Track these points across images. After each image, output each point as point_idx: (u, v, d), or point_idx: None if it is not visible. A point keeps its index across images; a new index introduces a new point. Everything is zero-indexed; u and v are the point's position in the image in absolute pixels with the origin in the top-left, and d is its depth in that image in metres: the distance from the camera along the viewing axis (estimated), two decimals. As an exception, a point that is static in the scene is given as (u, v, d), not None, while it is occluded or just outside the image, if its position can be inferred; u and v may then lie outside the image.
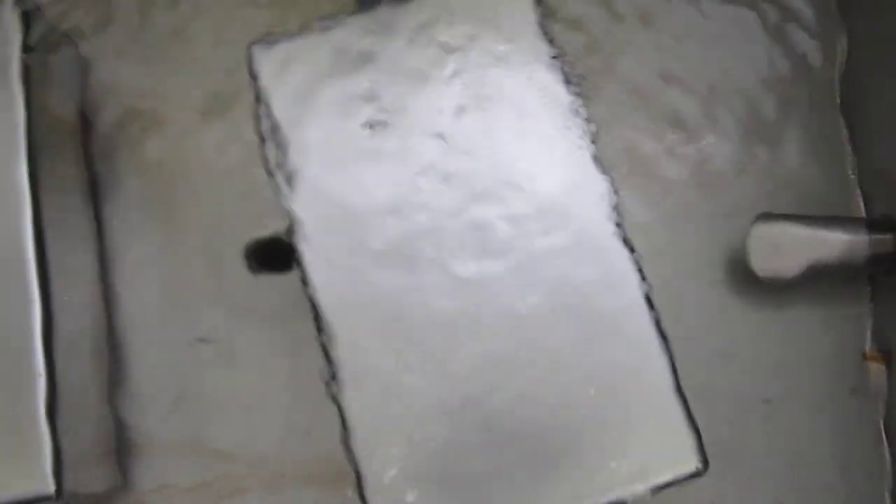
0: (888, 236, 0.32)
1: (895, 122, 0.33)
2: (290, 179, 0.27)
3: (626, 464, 0.25)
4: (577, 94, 0.27)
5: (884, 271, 0.33)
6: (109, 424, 0.34)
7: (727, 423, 0.34)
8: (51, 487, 0.28)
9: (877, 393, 0.34)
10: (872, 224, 0.33)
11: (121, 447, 0.35)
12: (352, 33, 0.28)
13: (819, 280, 0.34)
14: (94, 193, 0.37)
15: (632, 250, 0.26)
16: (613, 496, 0.25)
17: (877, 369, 0.34)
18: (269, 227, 0.36)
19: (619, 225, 0.26)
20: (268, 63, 0.28)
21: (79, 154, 0.36)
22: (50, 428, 0.28)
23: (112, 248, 0.36)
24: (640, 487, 0.25)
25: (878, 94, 0.34)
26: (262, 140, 0.27)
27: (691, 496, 0.34)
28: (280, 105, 0.27)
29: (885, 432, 0.34)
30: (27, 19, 0.31)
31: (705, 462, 0.25)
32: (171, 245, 0.36)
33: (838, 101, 0.36)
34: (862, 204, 0.36)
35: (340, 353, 0.26)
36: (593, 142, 0.27)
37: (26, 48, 0.31)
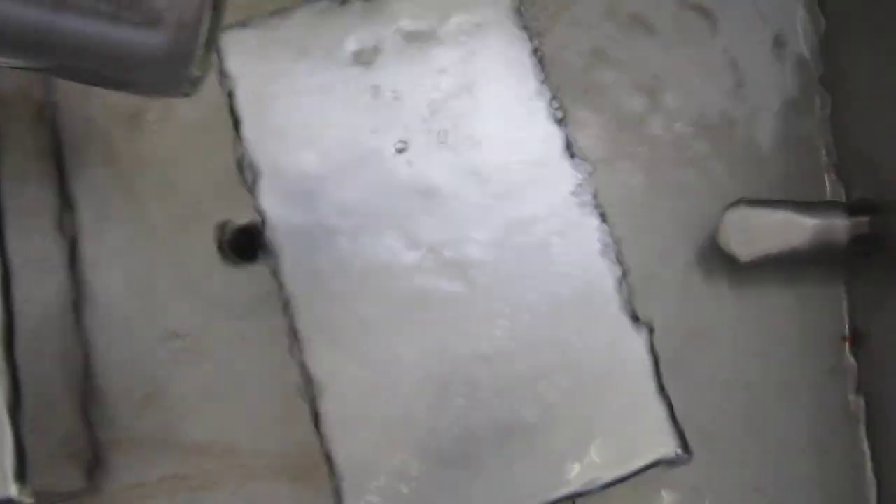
0: (864, 219, 0.32)
1: (872, 102, 0.33)
2: (254, 168, 0.26)
3: (604, 450, 0.25)
4: (545, 72, 0.27)
5: (861, 253, 0.33)
6: (78, 422, 0.33)
7: (705, 407, 0.34)
8: (11, 489, 0.27)
9: (855, 375, 0.34)
10: (848, 207, 0.33)
11: (91, 445, 0.34)
12: (317, 19, 0.27)
13: (796, 263, 0.34)
14: (61, 183, 0.36)
15: (607, 233, 0.26)
16: (591, 484, 0.25)
17: (853, 351, 0.35)
18: (241, 217, 0.35)
19: (594, 207, 0.26)
20: (234, 49, 0.27)
21: (43, 143, 0.35)
22: (12, 427, 0.28)
23: (79, 240, 0.35)
24: (619, 474, 0.25)
25: (857, 73, 0.34)
26: (234, 128, 0.27)
27: (672, 482, 0.34)
28: (245, 91, 0.27)
29: (865, 413, 0.34)
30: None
31: (685, 448, 0.25)
32: (140, 236, 0.36)
33: (817, 80, 0.36)
34: (840, 187, 0.36)
35: (311, 343, 0.25)
36: (564, 122, 0.27)
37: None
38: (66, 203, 0.36)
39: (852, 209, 0.33)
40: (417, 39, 0.27)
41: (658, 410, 0.25)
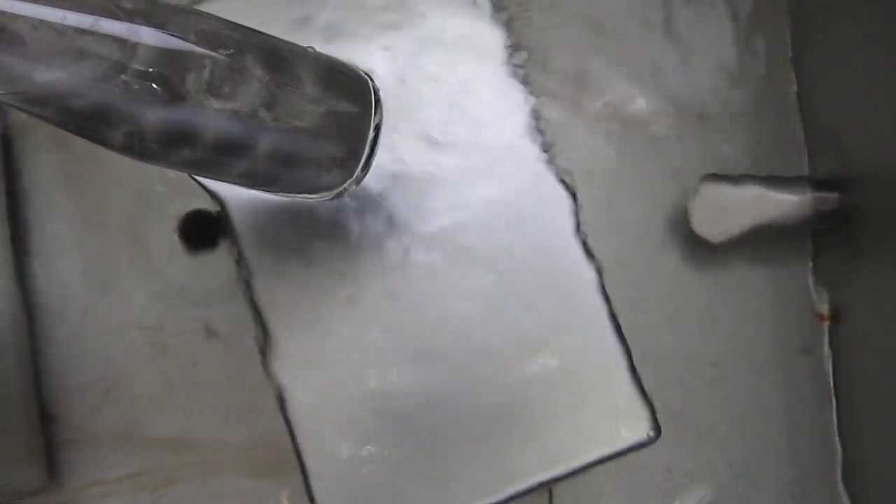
0: (832, 195, 0.32)
1: (841, 79, 0.33)
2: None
3: (578, 434, 0.25)
4: (516, 51, 0.26)
5: (829, 229, 0.33)
6: (35, 418, 0.32)
7: (677, 387, 0.34)
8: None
9: (827, 351, 0.34)
10: (816, 183, 0.33)
11: (49, 442, 0.33)
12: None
13: (765, 240, 0.34)
14: (8, 168, 0.34)
15: (576, 215, 0.26)
16: (565, 468, 0.25)
17: (826, 327, 0.35)
18: (199, 203, 0.34)
19: (563, 185, 0.26)
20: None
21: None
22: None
23: (29, 227, 0.34)
24: (593, 457, 0.25)
25: (826, 49, 0.34)
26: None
27: (645, 462, 0.33)
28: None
29: (835, 390, 0.34)
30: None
31: (657, 430, 0.25)
32: (95, 224, 0.34)
33: (789, 56, 0.36)
34: (807, 163, 0.35)
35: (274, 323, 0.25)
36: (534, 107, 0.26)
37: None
38: (13, 190, 0.34)
39: (820, 185, 0.33)
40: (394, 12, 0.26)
41: (631, 393, 0.25)
